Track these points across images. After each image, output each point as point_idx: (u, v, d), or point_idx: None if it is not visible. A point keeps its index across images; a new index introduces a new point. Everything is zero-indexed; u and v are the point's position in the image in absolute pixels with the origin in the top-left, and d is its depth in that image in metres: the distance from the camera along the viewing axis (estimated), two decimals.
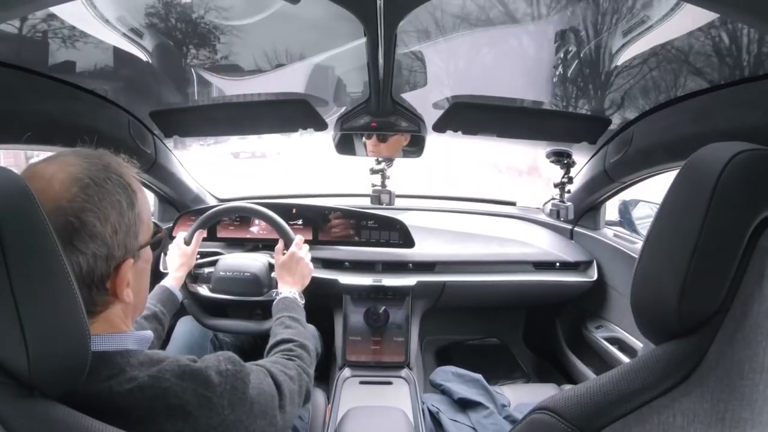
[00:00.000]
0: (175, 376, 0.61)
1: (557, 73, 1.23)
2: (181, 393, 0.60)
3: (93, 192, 0.58)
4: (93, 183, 0.59)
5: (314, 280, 1.64)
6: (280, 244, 1.37)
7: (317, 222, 1.77)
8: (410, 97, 1.32)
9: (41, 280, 0.49)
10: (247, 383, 0.68)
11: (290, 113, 1.37)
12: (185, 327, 1.52)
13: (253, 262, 1.48)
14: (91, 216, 0.57)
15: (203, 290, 1.45)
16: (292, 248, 1.33)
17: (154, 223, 0.72)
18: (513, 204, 2.24)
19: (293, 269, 1.31)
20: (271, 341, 1.04)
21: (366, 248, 1.77)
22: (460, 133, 1.41)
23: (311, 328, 1.59)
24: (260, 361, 0.86)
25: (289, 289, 1.25)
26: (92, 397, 0.56)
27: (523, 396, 1.50)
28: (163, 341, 1.36)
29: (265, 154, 10.38)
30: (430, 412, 1.40)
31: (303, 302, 1.24)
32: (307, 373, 0.95)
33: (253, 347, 1.69)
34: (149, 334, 0.70)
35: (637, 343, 1.53)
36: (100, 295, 0.61)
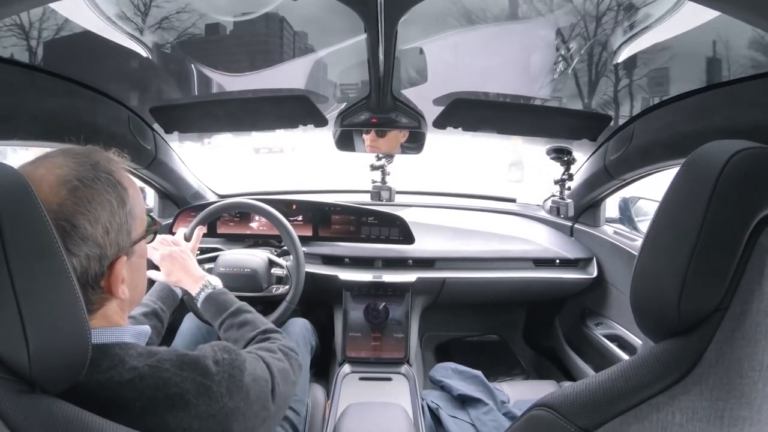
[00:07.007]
0: (173, 365, 0.61)
1: (558, 69, 1.23)
2: (181, 382, 0.60)
3: (82, 194, 0.58)
4: (81, 185, 0.58)
5: (314, 276, 1.65)
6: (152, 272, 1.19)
7: (317, 218, 1.77)
8: (411, 94, 1.32)
9: (42, 275, 0.49)
10: (243, 371, 0.69)
11: (290, 109, 1.37)
12: (192, 323, 1.52)
13: (252, 258, 1.48)
14: (81, 219, 0.57)
15: None
16: (156, 256, 1.16)
17: (150, 216, 0.72)
18: (513, 201, 2.24)
19: (177, 265, 1.15)
20: (240, 346, 0.96)
21: (366, 244, 1.78)
22: (460, 129, 1.41)
23: (303, 321, 1.60)
24: (248, 349, 0.86)
25: (200, 288, 1.10)
26: (94, 388, 0.56)
27: (522, 393, 1.50)
28: (169, 336, 1.36)
29: (283, 149, 10.37)
30: (429, 408, 1.41)
31: (218, 281, 1.12)
32: (290, 347, 0.93)
33: None
34: (146, 328, 0.70)
35: (637, 340, 1.53)
36: (95, 294, 0.61)
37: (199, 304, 1.10)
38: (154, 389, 0.58)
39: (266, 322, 1.02)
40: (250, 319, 1.02)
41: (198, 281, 1.12)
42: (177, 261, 1.16)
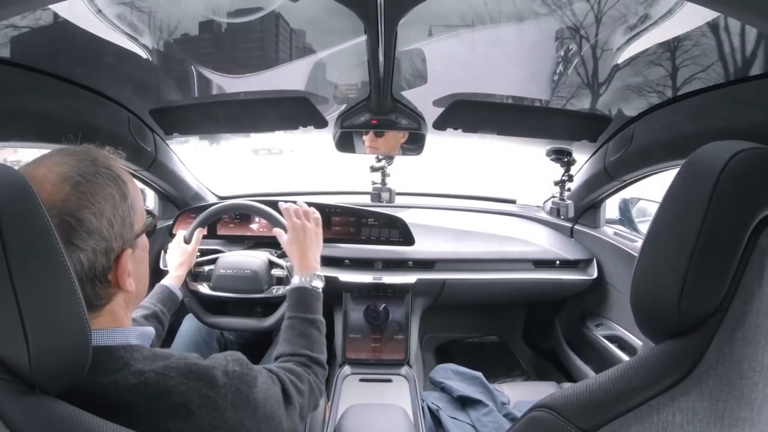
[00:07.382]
0: (181, 374, 0.61)
1: (558, 70, 1.22)
2: (186, 392, 0.60)
3: (85, 188, 0.59)
4: (84, 180, 0.59)
5: None
6: (278, 230, 1.30)
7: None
8: (410, 95, 1.32)
9: (42, 276, 0.49)
10: (253, 386, 0.68)
11: (290, 111, 1.37)
12: (191, 324, 1.52)
13: (253, 259, 1.48)
14: (86, 213, 0.58)
15: (203, 288, 1.45)
16: (288, 221, 1.24)
17: (147, 210, 0.72)
18: (513, 202, 2.25)
19: (301, 242, 1.21)
20: (283, 349, 0.99)
21: (366, 246, 1.77)
22: (460, 131, 1.41)
23: None
24: (272, 367, 0.85)
25: (303, 275, 1.14)
26: (97, 391, 0.56)
27: (522, 394, 1.50)
28: (169, 338, 1.35)
29: (282, 151, 10.41)
30: (429, 409, 1.41)
31: (322, 284, 1.16)
32: (320, 388, 0.94)
33: (257, 345, 1.70)
34: (151, 330, 0.70)
35: (637, 341, 1.53)
36: (103, 288, 0.61)
37: (289, 286, 1.14)
38: (158, 397, 0.58)
39: (323, 351, 1.03)
40: (314, 338, 1.04)
41: (304, 269, 1.17)
42: (305, 239, 1.22)
